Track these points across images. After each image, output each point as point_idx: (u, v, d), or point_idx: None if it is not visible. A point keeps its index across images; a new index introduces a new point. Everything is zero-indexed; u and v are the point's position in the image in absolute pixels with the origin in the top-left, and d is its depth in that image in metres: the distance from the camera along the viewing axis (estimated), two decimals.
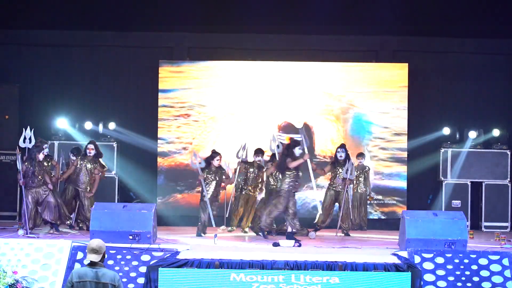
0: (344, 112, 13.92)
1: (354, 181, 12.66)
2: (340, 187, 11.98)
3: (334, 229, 12.09)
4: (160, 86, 13.91)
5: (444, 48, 14.21)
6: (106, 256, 6.54)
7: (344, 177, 11.86)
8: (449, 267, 9.06)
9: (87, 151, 11.80)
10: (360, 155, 13.13)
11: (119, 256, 9.12)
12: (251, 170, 12.30)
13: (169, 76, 13.94)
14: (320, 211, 12.07)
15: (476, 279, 8.97)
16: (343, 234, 12.03)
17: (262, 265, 8.85)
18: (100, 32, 14.09)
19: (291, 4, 13.65)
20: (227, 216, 12.83)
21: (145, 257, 9.15)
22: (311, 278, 8.72)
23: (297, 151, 11.06)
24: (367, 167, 13.15)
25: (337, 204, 12.17)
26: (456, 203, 13.13)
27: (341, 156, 12.00)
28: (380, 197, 13.76)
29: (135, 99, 14.30)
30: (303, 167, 11.23)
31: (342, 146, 12.20)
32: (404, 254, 9.32)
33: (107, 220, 9.69)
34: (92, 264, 6.39)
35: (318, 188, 12.63)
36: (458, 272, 9.01)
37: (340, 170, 11.94)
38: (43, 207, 10.95)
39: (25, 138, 10.90)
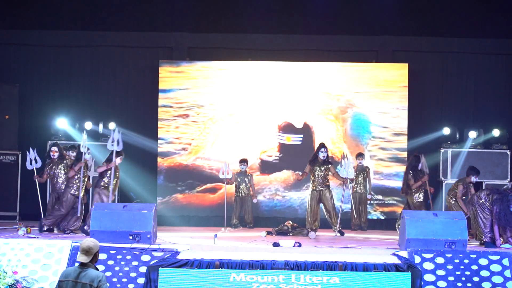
0: (344, 112, 13.92)
1: (354, 181, 12.65)
2: (320, 187, 11.89)
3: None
4: (160, 86, 13.91)
5: (444, 48, 14.21)
6: (98, 257, 6.46)
7: (343, 176, 11.83)
8: (449, 267, 9.05)
9: (51, 153, 11.43)
10: (360, 155, 13.12)
11: (119, 256, 9.11)
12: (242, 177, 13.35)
13: (169, 76, 13.93)
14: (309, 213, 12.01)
15: (476, 279, 8.96)
16: (339, 235, 11.90)
17: (262, 265, 8.83)
18: (100, 32, 14.09)
19: (291, 4, 13.66)
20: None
21: (145, 257, 9.13)
22: (311, 278, 8.70)
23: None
24: (367, 168, 13.14)
25: (339, 204, 12.14)
26: None
27: (324, 156, 11.93)
28: (380, 197, 13.75)
29: (135, 99, 14.31)
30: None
31: (324, 145, 12.05)
32: (404, 254, 9.30)
33: (107, 220, 9.67)
34: (82, 265, 6.31)
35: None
36: (458, 272, 9.00)
37: (319, 169, 11.87)
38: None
39: (30, 160, 11.11)
